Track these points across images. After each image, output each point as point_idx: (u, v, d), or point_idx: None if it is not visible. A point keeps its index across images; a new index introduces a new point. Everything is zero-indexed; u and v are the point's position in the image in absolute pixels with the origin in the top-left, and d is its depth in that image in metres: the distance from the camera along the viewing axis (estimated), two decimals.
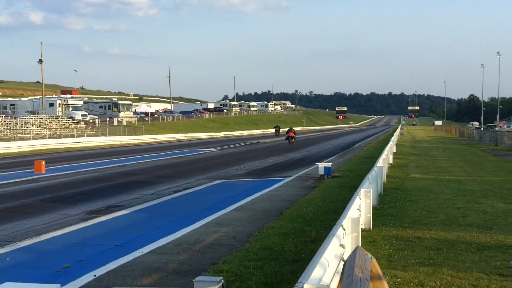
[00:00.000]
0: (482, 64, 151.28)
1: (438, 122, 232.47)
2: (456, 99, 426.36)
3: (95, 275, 12.34)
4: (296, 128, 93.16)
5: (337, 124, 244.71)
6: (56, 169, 38.11)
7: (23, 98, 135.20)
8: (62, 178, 32.97)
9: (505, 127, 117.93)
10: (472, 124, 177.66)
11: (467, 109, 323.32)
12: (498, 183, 28.49)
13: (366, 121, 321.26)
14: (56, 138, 75.45)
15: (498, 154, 55.40)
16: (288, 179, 32.18)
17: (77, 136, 79.12)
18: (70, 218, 19.65)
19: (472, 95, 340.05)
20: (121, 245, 15.30)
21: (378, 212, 18.79)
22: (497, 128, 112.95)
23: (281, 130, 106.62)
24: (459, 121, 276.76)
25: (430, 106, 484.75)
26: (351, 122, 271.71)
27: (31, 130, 77.56)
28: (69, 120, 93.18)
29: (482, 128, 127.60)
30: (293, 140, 73.12)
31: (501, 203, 21.45)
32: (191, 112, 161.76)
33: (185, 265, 13.09)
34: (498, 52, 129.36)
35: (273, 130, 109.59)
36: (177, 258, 13.67)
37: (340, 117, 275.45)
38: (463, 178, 31.14)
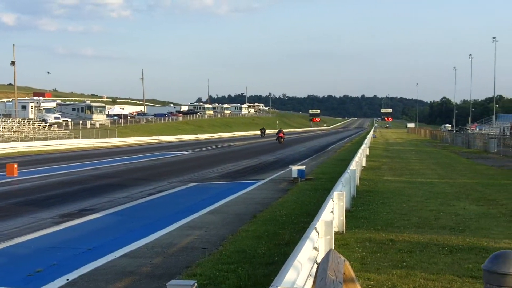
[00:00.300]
0: (454, 67, 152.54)
1: (411, 125, 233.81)
2: (428, 102, 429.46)
3: (67, 279, 12.27)
4: (270, 131, 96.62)
5: (311, 127, 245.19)
6: (29, 172, 37.88)
7: None
8: (34, 181, 32.75)
9: (477, 129, 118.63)
10: (444, 127, 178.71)
11: (439, 112, 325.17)
12: (470, 185, 28.68)
13: (340, 123, 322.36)
14: (28, 141, 74.96)
15: (470, 156, 55.75)
16: (262, 181, 32.18)
17: (50, 139, 78.66)
18: (42, 221, 19.53)
19: (444, 97, 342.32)
20: (94, 248, 15.22)
21: (351, 214, 18.85)
22: (469, 131, 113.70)
23: (267, 132, 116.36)
24: (431, 124, 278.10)
25: (403, 108, 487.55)
26: (325, 125, 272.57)
27: (3, 133, 76.96)
28: (42, 123, 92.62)
29: (454, 131, 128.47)
30: (282, 140, 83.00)
31: (473, 205, 21.59)
32: (165, 114, 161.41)
33: (158, 268, 13.04)
34: (470, 55, 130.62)
35: (247, 133, 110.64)
36: (150, 262, 13.62)
37: (314, 119, 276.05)
38: (436, 180, 31.31)
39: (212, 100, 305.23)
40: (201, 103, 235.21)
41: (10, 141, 71.94)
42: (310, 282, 9.08)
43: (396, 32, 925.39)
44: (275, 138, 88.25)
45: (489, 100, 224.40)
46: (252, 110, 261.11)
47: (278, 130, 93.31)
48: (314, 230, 10.35)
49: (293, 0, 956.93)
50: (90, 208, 22.60)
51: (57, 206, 22.94)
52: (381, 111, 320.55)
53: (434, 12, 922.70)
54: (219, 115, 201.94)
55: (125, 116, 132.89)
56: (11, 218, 20.12)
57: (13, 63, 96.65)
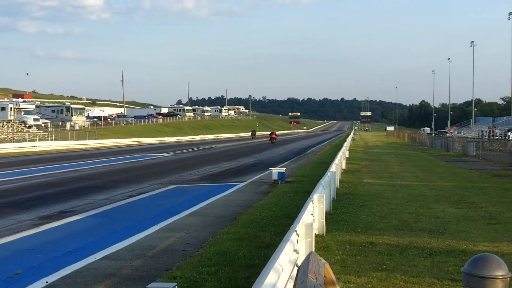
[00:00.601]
0: (433, 71, 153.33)
1: (390, 128, 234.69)
2: (407, 105, 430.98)
3: (47, 282, 12.22)
4: (250, 134, 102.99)
5: (291, 129, 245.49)
6: (8, 174, 37.70)
7: None
8: (14, 183, 32.57)
9: (456, 133, 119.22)
10: (423, 130, 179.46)
11: (418, 115, 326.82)
12: (450, 188, 28.81)
13: (319, 126, 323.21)
14: (7, 142, 74.60)
15: (449, 159, 56.01)
16: (242, 184, 32.19)
17: (29, 141, 78.32)
18: (22, 223, 19.43)
19: (423, 101, 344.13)
20: (74, 251, 15.16)
21: (331, 217, 18.90)
22: (448, 134, 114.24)
23: (257, 133, 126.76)
24: (410, 127, 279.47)
25: (382, 111, 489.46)
26: (305, 127, 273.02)
27: None
28: (21, 124, 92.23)
29: (433, 134, 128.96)
30: (274, 140, 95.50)
31: (453, 208, 21.69)
32: (145, 116, 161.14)
33: (138, 271, 13.02)
34: (448, 59, 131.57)
35: (227, 135, 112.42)
36: (130, 264, 13.60)
37: (293, 122, 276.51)
38: (415, 183, 31.43)
39: (192, 102, 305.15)
40: (181, 105, 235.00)
41: None
42: (291, 284, 9.11)
43: (375, 36, 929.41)
44: (268, 139, 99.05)
45: (468, 103, 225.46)
46: (232, 112, 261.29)
47: (270, 132, 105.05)
48: (295, 232, 10.38)
49: (273, 4, 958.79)
50: (70, 210, 22.52)
51: (37, 208, 22.83)
52: (361, 114, 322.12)
53: (412, 16, 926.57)
54: (199, 118, 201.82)
55: (105, 118, 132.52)
56: None
57: None
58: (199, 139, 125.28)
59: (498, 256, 5.62)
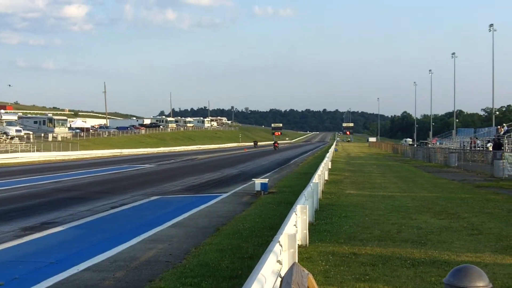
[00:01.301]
0: (414, 82, 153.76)
1: (372, 139, 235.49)
2: (389, 116, 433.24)
3: None
4: (232, 144, 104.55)
5: (273, 140, 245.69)
6: None
7: None
8: None
9: (437, 143, 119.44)
10: (405, 141, 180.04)
11: (400, 126, 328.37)
12: (432, 199, 28.88)
13: (302, 137, 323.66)
14: None
15: (431, 170, 56.16)
16: (225, 195, 32.18)
17: (11, 152, 78.11)
18: (3, 235, 19.33)
19: (405, 112, 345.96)
20: (56, 262, 15.10)
21: (314, 228, 18.91)
22: (430, 145, 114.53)
23: (239, 144, 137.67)
24: (392, 138, 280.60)
25: (364, 122, 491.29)
26: (287, 139, 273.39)
27: None
28: (3, 136, 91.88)
29: (415, 145, 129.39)
30: (277, 148, 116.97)
31: (435, 219, 21.74)
32: (127, 127, 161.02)
33: (121, 282, 12.98)
34: (430, 70, 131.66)
35: (210, 146, 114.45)
36: (113, 275, 13.55)
37: (276, 133, 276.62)
38: (398, 194, 31.50)
39: (174, 113, 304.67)
40: (163, 117, 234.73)
41: None
42: None
43: (356, 47, 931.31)
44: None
45: (449, 114, 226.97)
46: (215, 123, 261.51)
47: (274, 141, 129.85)
48: (278, 243, 10.39)
49: (254, 16, 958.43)
50: (52, 221, 22.43)
51: (18, 220, 22.74)
52: (343, 125, 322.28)
53: (394, 28, 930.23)
54: (181, 129, 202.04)
55: (87, 129, 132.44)
56: None
57: None
58: (182, 150, 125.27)
59: (480, 266, 5.66)
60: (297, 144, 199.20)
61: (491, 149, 57.08)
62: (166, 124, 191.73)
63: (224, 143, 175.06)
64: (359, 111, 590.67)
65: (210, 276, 13.00)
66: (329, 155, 60.76)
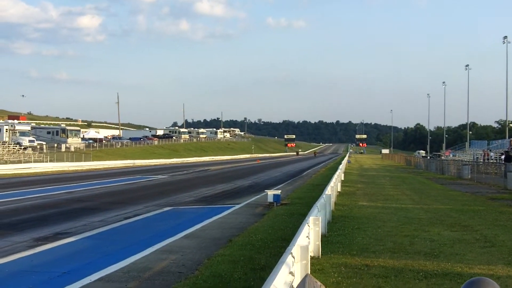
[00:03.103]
0: (428, 94, 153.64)
1: (385, 151, 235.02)
2: (402, 128, 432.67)
3: None
4: (245, 156, 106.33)
5: (286, 152, 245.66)
6: (3, 195, 37.63)
7: None
8: (8, 204, 32.52)
9: (450, 156, 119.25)
10: (418, 153, 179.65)
11: (413, 138, 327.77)
12: (444, 211, 28.83)
13: (315, 149, 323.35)
14: (2, 164, 74.57)
15: (444, 182, 56.08)
16: (238, 206, 32.20)
17: (24, 162, 78.24)
18: (16, 245, 19.40)
19: (418, 124, 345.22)
20: (69, 272, 15.13)
21: (326, 239, 18.90)
22: (443, 157, 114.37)
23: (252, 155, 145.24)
24: (405, 150, 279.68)
25: (377, 134, 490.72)
26: (300, 150, 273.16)
27: None
28: (16, 146, 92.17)
29: (428, 157, 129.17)
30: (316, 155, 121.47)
31: (448, 231, 21.70)
32: (140, 138, 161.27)
33: None
34: (443, 82, 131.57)
35: (223, 157, 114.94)
36: (126, 286, 13.58)
37: (289, 144, 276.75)
38: (410, 206, 31.44)
39: (187, 124, 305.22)
40: (176, 128, 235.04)
41: None
42: None
43: (370, 59, 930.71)
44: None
45: (463, 127, 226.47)
46: (227, 135, 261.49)
47: (313, 150, 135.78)
48: (290, 255, 10.40)
49: (267, 27, 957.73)
50: (65, 231, 22.49)
51: (32, 230, 22.81)
52: (356, 137, 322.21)
53: (407, 40, 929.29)
54: (194, 140, 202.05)
55: (100, 140, 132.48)
56: None
57: None
58: (195, 161, 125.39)
59: (493, 279, 5.65)
60: (309, 156, 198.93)
61: (503, 161, 56.97)
62: (179, 135, 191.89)
63: (237, 155, 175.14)
64: (372, 123, 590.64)
65: (222, 287, 13.01)
66: (342, 166, 60.69)
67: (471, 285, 4.30)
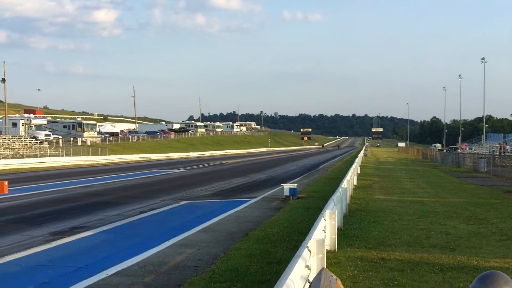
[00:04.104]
0: (444, 87, 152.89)
1: (402, 144, 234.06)
2: (419, 121, 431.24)
3: None
4: (261, 149, 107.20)
5: (302, 145, 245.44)
6: (19, 189, 37.81)
7: None
8: (25, 198, 32.69)
9: (467, 149, 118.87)
10: (434, 146, 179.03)
11: (429, 131, 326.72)
12: (461, 204, 28.74)
13: (331, 142, 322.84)
14: (19, 158, 74.89)
15: (460, 175, 55.90)
16: (254, 200, 32.20)
17: (40, 156, 78.54)
18: (33, 239, 19.48)
19: (434, 117, 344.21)
20: (86, 266, 15.17)
21: (343, 233, 18.88)
22: (459, 150, 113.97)
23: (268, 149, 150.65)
24: (422, 143, 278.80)
25: (393, 128, 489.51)
26: (316, 143, 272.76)
27: None
28: (32, 140, 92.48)
29: (444, 150, 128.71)
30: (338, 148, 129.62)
31: (464, 224, 21.64)
32: (156, 132, 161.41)
33: (150, 287, 13.01)
34: (459, 75, 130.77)
35: (239, 151, 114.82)
36: (142, 280, 13.61)
37: (305, 138, 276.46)
38: (426, 199, 31.36)
39: (204, 118, 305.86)
40: (193, 121, 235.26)
41: (0, 158, 71.76)
42: None
43: (386, 52, 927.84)
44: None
45: (479, 120, 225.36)
46: (244, 128, 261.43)
47: (336, 143, 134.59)
48: (306, 248, 10.39)
49: (283, 21, 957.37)
50: (81, 226, 22.56)
51: (48, 224, 22.90)
52: (372, 130, 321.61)
53: (423, 33, 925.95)
54: (211, 133, 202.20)
55: (116, 134, 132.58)
56: (1, 236, 20.05)
57: (3, 80, 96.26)
58: (211, 155, 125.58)
59: (509, 272, 5.63)
60: (325, 149, 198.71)
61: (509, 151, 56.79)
62: (195, 129, 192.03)
63: (253, 148, 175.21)
64: (388, 116, 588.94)
65: (238, 281, 13.02)
66: (358, 160, 60.61)
67: (484, 278, 4.30)
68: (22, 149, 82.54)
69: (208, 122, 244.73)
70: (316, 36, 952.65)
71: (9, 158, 72.66)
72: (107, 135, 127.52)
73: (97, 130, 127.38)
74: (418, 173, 61.21)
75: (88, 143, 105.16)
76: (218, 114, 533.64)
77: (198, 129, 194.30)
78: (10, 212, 26.64)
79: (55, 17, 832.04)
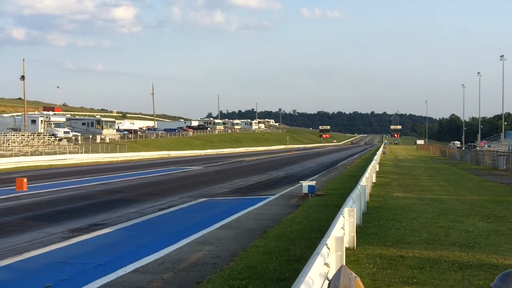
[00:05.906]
0: (463, 84, 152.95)
1: (420, 141, 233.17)
2: (437, 119, 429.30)
3: None
4: (280, 147, 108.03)
5: (321, 143, 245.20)
6: (38, 186, 37.98)
7: (4, 115, 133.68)
8: (44, 195, 32.82)
9: (486, 146, 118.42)
10: (453, 144, 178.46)
11: (448, 129, 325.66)
12: (480, 202, 28.61)
13: (349, 139, 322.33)
14: (38, 155, 75.13)
15: (479, 173, 55.64)
16: (272, 197, 32.20)
17: (59, 153, 78.83)
18: (52, 236, 19.56)
19: (453, 114, 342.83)
20: (104, 264, 15.21)
21: (361, 230, 18.83)
22: (478, 148, 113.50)
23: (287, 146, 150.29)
24: (440, 140, 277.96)
25: (412, 125, 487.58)
26: (335, 141, 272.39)
27: (12, 147, 77.30)
28: (51, 137, 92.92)
29: (463, 148, 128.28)
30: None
31: (483, 222, 21.54)
32: (175, 129, 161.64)
33: (168, 284, 13.04)
34: (478, 73, 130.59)
35: (257, 148, 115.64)
36: (160, 277, 13.62)
37: (324, 135, 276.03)
38: (445, 197, 31.25)
39: (222, 115, 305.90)
40: (211, 119, 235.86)
41: (19, 156, 72.17)
42: None
43: (404, 49, 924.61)
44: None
45: (498, 117, 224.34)
46: (262, 125, 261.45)
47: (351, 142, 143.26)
48: (325, 246, 10.37)
49: (302, 18, 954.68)
50: (100, 223, 22.64)
51: (67, 221, 22.99)
52: (391, 128, 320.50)
53: (442, 30, 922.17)
54: (229, 131, 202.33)
55: (135, 131, 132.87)
56: (21, 233, 20.17)
57: (23, 77, 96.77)
58: (229, 152, 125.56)
59: None
60: (344, 147, 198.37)
61: None
62: (214, 126, 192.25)
63: (272, 146, 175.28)
64: (407, 114, 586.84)
65: (257, 278, 13.00)
66: (377, 157, 60.42)
67: (506, 277, 4.26)
68: (41, 146, 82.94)
69: (227, 120, 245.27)
70: (335, 33, 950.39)
71: (28, 155, 72.95)
72: (125, 132, 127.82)
73: (116, 127, 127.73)
74: (437, 170, 61.00)
75: (107, 140, 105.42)
76: (237, 112, 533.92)
77: (217, 126, 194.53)
78: (29, 209, 26.76)
79: (74, 14, 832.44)
